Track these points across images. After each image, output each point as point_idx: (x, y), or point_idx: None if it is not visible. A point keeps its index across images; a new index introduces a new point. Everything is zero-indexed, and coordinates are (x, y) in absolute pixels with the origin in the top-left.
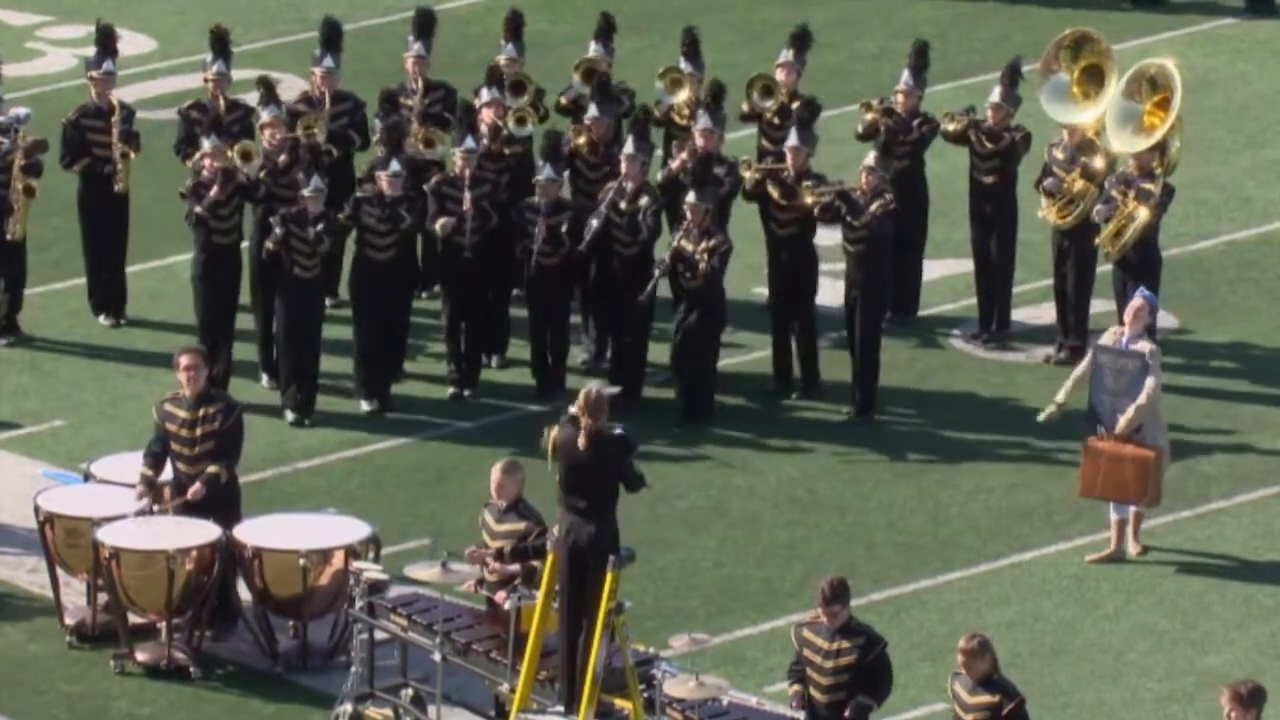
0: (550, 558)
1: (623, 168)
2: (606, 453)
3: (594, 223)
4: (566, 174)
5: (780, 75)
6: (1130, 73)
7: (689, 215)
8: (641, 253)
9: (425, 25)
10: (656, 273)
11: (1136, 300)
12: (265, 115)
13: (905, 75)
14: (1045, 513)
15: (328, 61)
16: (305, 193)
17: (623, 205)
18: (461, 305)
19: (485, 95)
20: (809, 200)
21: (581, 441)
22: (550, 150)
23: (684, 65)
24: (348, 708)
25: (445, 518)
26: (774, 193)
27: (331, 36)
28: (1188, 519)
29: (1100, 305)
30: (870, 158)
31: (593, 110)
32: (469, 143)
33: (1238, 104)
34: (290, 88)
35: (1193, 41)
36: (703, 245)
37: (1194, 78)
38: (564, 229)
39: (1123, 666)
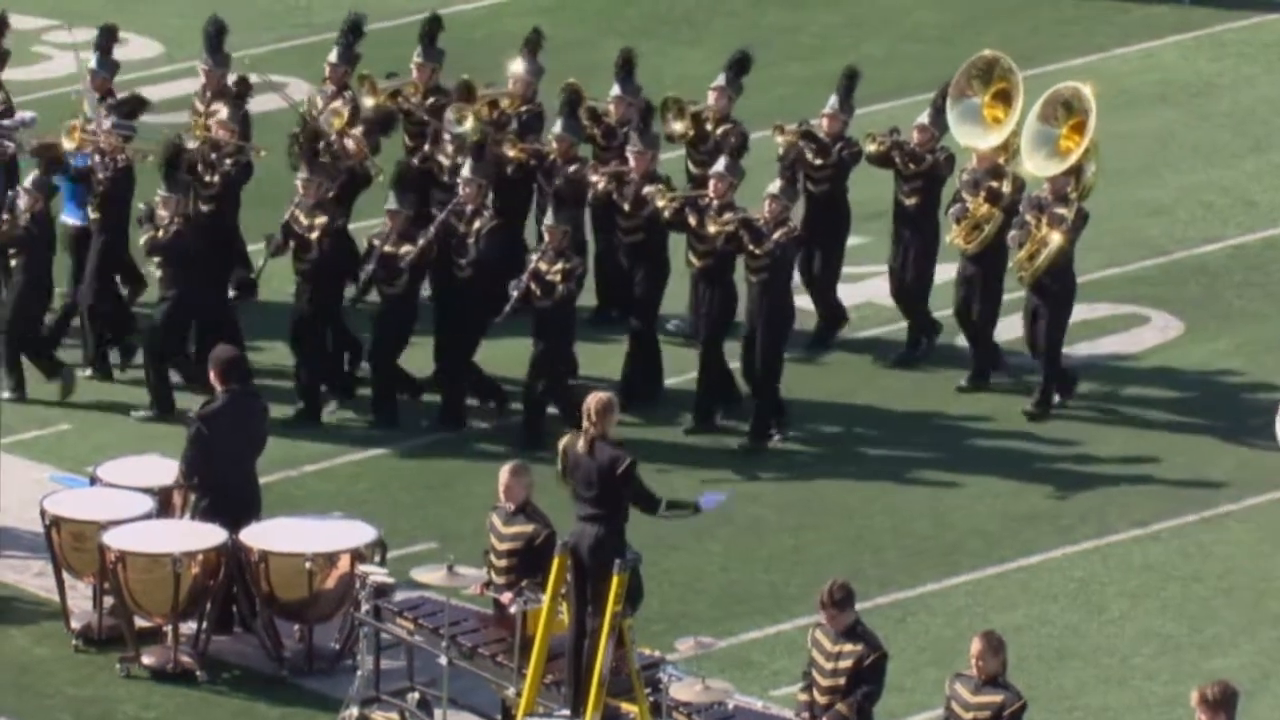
0: (556, 561)
1: (460, 190)
2: (604, 459)
3: (420, 242)
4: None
5: (711, 99)
6: (1045, 96)
7: (546, 236)
8: (478, 275)
9: (427, 33)
10: (514, 294)
11: None
12: (223, 112)
13: (832, 99)
14: (1051, 517)
15: (331, 57)
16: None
17: (461, 228)
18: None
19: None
20: (712, 230)
21: (581, 446)
22: (399, 180)
23: (615, 88)
24: (354, 711)
25: (452, 521)
26: (692, 220)
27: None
28: (1194, 523)
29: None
30: (774, 185)
31: (557, 127)
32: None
33: (1244, 108)
34: (296, 91)
35: (1198, 45)
36: (558, 267)
37: (1200, 81)
38: (404, 262)
39: (1129, 670)
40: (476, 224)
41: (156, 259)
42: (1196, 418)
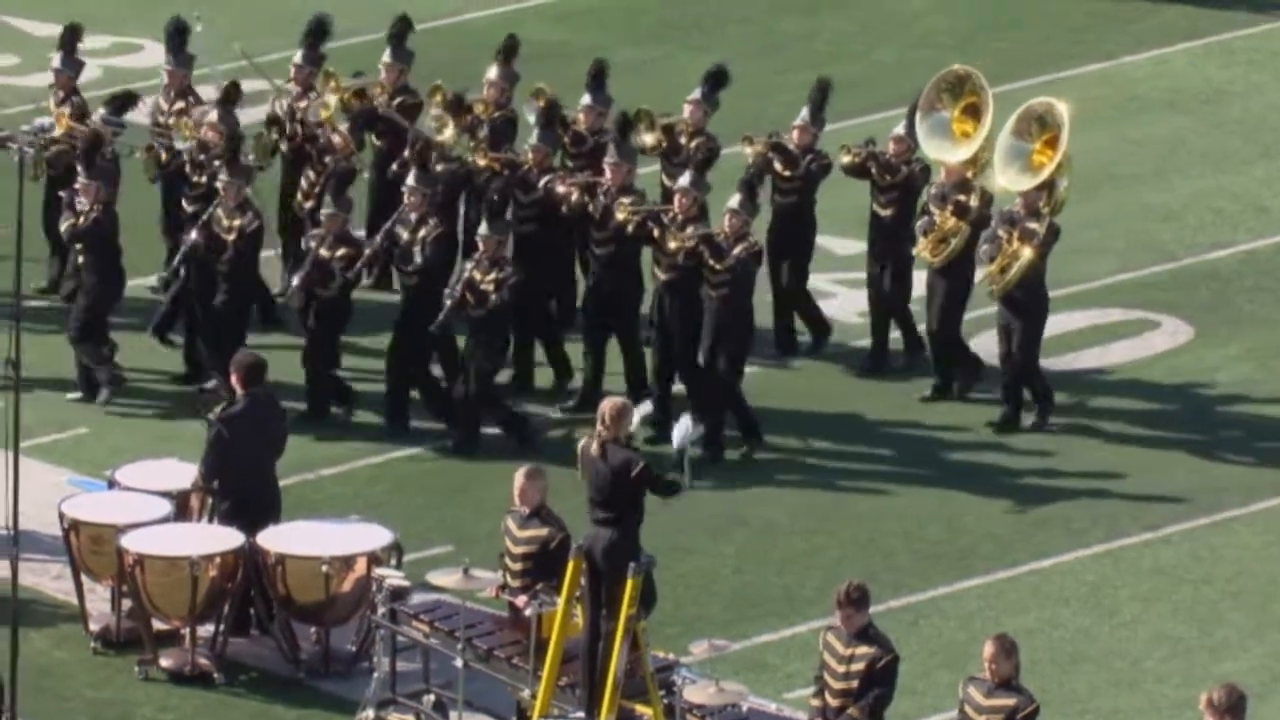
0: (571, 564)
1: (405, 198)
2: (616, 463)
3: (366, 251)
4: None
5: (686, 111)
6: (1019, 111)
7: (480, 245)
8: (424, 282)
9: (396, 34)
10: (448, 303)
11: None
12: (213, 114)
13: (804, 111)
14: (1062, 520)
15: (296, 59)
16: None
17: (406, 236)
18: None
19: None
20: (671, 245)
21: (595, 450)
22: (337, 183)
23: (586, 97)
24: (370, 714)
25: (467, 524)
26: (656, 234)
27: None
28: (1204, 526)
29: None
30: (734, 200)
31: (533, 137)
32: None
33: (1254, 114)
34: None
35: (1209, 52)
36: (491, 275)
37: (1210, 89)
38: (350, 272)
39: (1140, 673)
40: (422, 232)
41: (77, 245)
42: (1206, 422)
